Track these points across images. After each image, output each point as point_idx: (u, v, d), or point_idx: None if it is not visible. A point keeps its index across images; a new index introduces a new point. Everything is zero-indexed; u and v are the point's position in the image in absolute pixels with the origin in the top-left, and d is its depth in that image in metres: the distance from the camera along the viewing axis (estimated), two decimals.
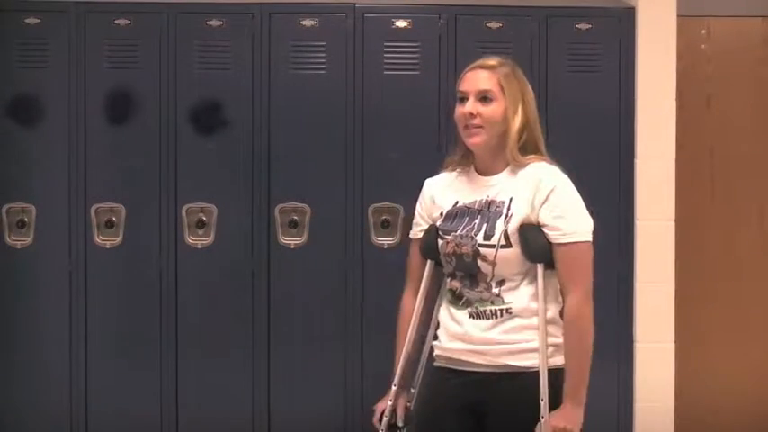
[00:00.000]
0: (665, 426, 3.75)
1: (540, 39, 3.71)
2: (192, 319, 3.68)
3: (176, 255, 3.67)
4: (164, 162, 3.66)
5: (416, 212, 2.34)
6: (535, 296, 2.14)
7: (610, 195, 3.70)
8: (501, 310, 2.14)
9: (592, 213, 2.23)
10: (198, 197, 3.67)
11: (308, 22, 3.69)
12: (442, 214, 2.25)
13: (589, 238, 2.19)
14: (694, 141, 3.96)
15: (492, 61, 2.23)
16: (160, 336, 3.67)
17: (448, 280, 2.25)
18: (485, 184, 2.21)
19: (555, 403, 2.11)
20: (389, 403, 2.25)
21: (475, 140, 2.17)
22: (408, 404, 2.29)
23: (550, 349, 2.14)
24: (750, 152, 4.06)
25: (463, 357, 2.18)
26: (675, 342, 3.76)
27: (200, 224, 3.67)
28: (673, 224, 3.75)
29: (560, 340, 2.16)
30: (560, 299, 2.19)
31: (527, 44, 3.71)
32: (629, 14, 3.74)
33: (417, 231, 2.31)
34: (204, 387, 3.67)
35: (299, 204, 3.68)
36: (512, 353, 2.13)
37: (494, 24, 3.71)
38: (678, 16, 3.76)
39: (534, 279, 2.15)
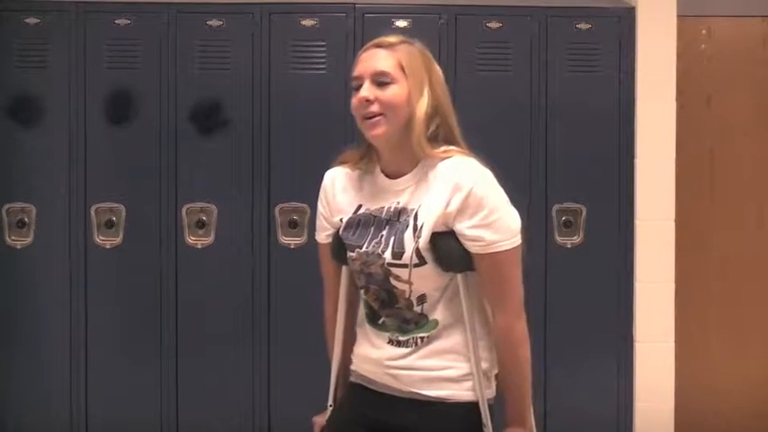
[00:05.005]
0: (665, 426, 3.75)
1: (540, 39, 3.71)
2: (192, 319, 3.67)
3: (176, 255, 3.67)
4: (164, 162, 3.66)
5: (318, 212, 2.02)
6: (460, 313, 1.86)
7: (610, 195, 3.70)
8: (423, 338, 1.87)
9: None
10: (198, 197, 3.67)
11: (308, 22, 3.69)
12: (342, 221, 1.95)
13: (517, 241, 1.84)
14: (694, 141, 3.96)
15: (391, 38, 1.90)
16: (160, 336, 3.67)
17: (362, 292, 1.95)
18: (393, 188, 1.91)
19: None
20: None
21: (376, 132, 1.86)
22: None
23: (480, 377, 1.88)
24: (750, 152, 4.06)
25: (377, 379, 1.95)
26: (675, 342, 3.76)
27: (200, 224, 3.67)
28: (673, 224, 3.75)
29: (487, 365, 1.90)
30: (486, 308, 1.91)
31: (527, 44, 3.71)
32: (629, 14, 3.75)
33: (323, 236, 2.02)
34: (204, 387, 3.67)
35: (299, 204, 3.68)
36: (424, 380, 1.88)
37: (494, 24, 3.72)
38: (678, 16, 3.76)
39: (456, 292, 1.86)
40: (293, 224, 3.68)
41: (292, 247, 3.69)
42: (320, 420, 2.10)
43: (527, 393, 1.90)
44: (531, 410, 1.94)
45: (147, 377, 3.67)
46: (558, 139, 3.71)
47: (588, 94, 3.72)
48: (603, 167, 3.72)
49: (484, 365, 1.89)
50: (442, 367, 1.88)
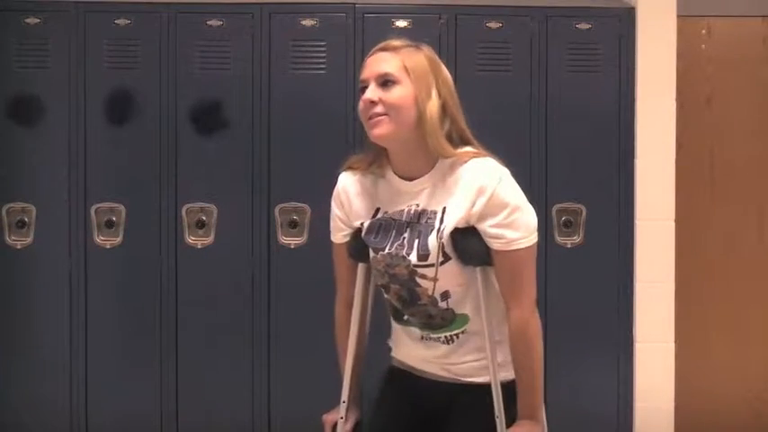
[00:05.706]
0: (665, 426, 3.75)
1: (540, 39, 3.71)
2: (191, 319, 3.67)
3: (176, 255, 3.67)
4: (164, 162, 3.66)
5: (334, 214, 2.06)
6: (479, 307, 1.92)
7: (610, 195, 3.70)
8: (457, 334, 1.95)
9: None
10: (198, 197, 3.67)
11: (308, 22, 3.69)
12: (363, 225, 1.99)
13: (535, 239, 1.89)
14: (694, 141, 3.97)
15: (396, 42, 1.93)
16: (160, 336, 3.67)
17: (382, 290, 2.01)
18: (410, 189, 1.93)
19: (509, 417, 1.94)
20: (340, 419, 2.08)
21: (378, 131, 1.87)
22: (359, 419, 2.12)
23: (500, 362, 1.97)
24: (750, 152, 4.06)
25: (424, 368, 2.03)
26: (675, 342, 3.76)
27: (200, 224, 3.67)
28: (673, 224, 3.75)
29: (507, 350, 1.97)
30: (501, 302, 1.95)
31: (527, 44, 3.71)
32: (629, 14, 3.75)
33: (340, 236, 2.07)
34: (204, 387, 3.67)
35: (299, 204, 3.68)
36: (474, 369, 1.98)
37: (494, 24, 3.72)
38: (678, 16, 3.76)
39: (476, 287, 1.92)
40: (293, 224, 3.68)
41: (292, 247, 3.69)
42: (331, 418, 2.11)
43: (539, 387, 1.94)
44: (543, 404, 1.98)
45: (147, 376, 3.67)
46: (558, 139, 3.71)
47: (588, 94, 3.72)
48: (603, 167, 3.72)
49: (502, 357, 1.96)
50: (479, 358, 1.96)
